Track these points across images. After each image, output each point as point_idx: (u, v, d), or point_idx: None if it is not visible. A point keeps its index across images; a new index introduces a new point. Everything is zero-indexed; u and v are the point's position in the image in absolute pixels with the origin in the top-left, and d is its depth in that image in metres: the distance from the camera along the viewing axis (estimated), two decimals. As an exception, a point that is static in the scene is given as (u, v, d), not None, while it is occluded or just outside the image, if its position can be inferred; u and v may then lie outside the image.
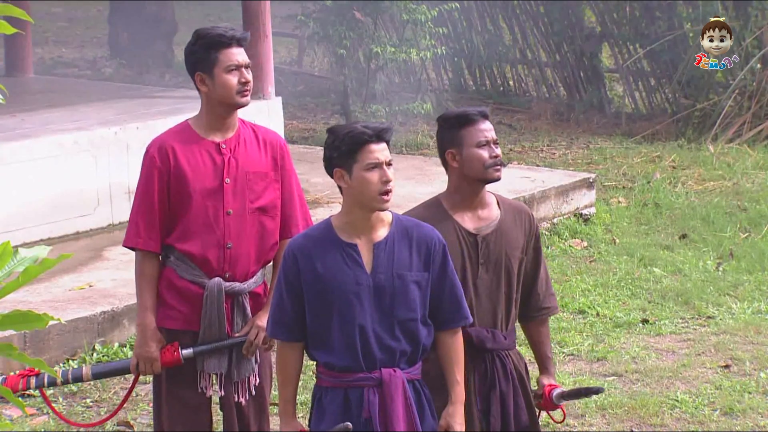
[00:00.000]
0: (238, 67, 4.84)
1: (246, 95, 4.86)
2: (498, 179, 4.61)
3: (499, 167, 4.60)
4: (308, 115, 13.43)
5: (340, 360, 4.27)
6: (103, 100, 10.33)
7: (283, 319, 4.32)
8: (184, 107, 9.76)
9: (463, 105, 13.62)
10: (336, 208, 6.27)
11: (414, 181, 10.14)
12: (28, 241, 8.19)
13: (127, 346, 7.19)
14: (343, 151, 4.21)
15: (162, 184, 4.86)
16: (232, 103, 4.86)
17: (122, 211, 8.89)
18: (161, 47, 16.00)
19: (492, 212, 4.67)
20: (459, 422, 4.39)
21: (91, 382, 6.78)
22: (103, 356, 7.08)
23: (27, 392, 4.94)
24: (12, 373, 5.04)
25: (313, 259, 4.26)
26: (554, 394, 4.76)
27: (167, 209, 4.87)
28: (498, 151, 4.60)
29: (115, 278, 7.81)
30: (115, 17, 16.28)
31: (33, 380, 4.95)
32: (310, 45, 14.29)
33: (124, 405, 5.34)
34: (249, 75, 4.88)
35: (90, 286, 7.69)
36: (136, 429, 6.40)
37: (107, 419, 5.43)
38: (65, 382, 5.08)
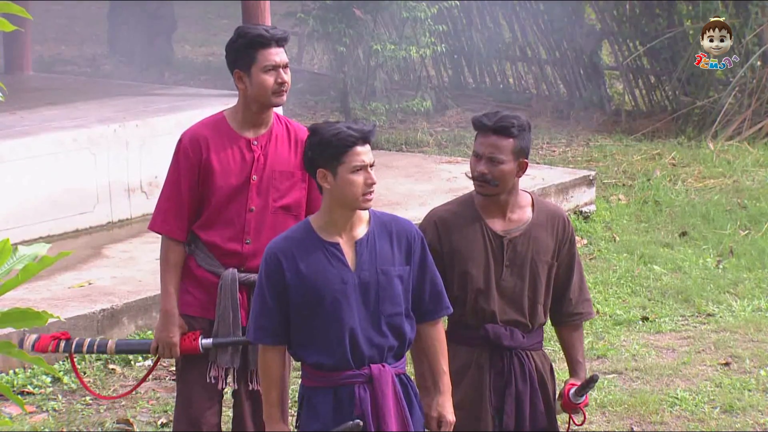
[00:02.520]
0: (275, 68, 4.94)
1: (282, 95, 4.97)
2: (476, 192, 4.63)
3: (482, 183, 4.59)
4: (308, 112, 13.40)
5: (329, 359, 4.28)
6: (102, 97, 10.31)
7: (267, 323, 4.31)
8: (183, 105, 9.76)
9: (463, 103, 13.67)
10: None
11: (413, 179, 10.12)
12: (28, 238, 8.18)
13: (127, 343, 7.19)
14: (329, 153, 4.21)
15: (192, 175, 4.95)
16: (267, 102, 4.97)
17: (122, 209, 8.90)
18: (161, 45, 15.97)
19: (524, 215, 4.68)
20: (450, 411, 4.43)
21: (90, 381, 6.79)
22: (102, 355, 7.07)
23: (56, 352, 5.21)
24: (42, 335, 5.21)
25: (297, 260, 4.26)
26: (571, 392, 4.76)
27: (196, 199, 4.96)
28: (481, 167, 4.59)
29: (115, 276, 7.81)
30: (114, 15, 16.24)
31: (63, 344, 5.13)
32: (310, 42, 14.25)
33: (134, 388, 5.61)
34: (286, 76, 4.98)
35: (89, 283, 7.69)
36: (135, 427, 6.40)
37: (132, 390, 5.64)
38: (90, 351, 5.22)
